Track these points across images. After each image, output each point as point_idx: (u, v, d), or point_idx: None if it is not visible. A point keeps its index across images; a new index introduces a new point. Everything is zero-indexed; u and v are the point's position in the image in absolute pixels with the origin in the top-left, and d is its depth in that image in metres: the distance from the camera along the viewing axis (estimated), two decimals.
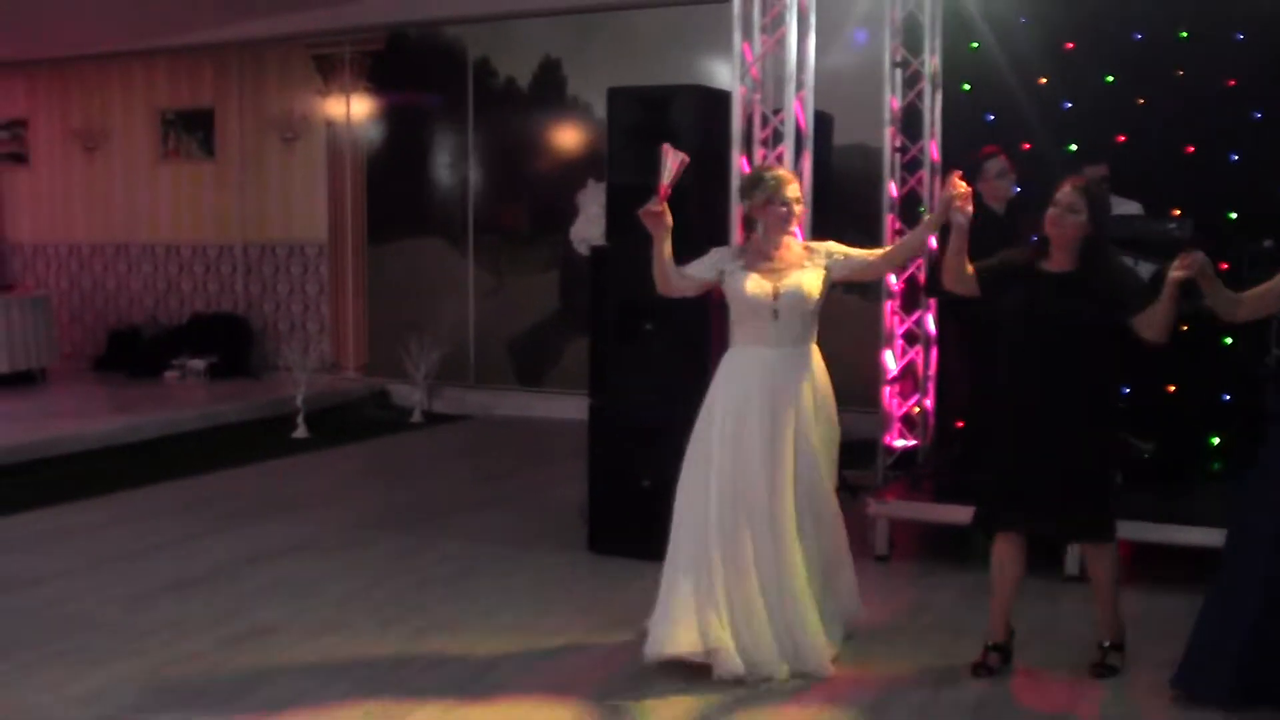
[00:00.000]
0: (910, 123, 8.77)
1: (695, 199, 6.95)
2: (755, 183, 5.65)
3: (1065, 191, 5.35)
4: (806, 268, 5.58)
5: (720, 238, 6.76)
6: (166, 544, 7.82)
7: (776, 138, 6.94)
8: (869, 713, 5.10)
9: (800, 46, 6.86)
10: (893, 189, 8.64)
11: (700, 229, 6.87)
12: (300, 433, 11.55)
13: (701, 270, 5.70)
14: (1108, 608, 5.50)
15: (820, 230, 6.89)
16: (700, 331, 6.98)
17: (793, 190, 5.59)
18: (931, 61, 8.72)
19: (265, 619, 6.27)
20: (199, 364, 14.36)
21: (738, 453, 5.50)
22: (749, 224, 6.00)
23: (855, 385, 7.25)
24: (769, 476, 5.47)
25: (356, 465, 10.98)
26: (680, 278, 5.68)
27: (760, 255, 5.64)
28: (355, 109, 14.09)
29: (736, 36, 6.91)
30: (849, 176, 9.71)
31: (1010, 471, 5.47)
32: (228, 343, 14.69)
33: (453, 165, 13.40)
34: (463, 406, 13.21)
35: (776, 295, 5.50)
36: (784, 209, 5.56)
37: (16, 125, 16.68)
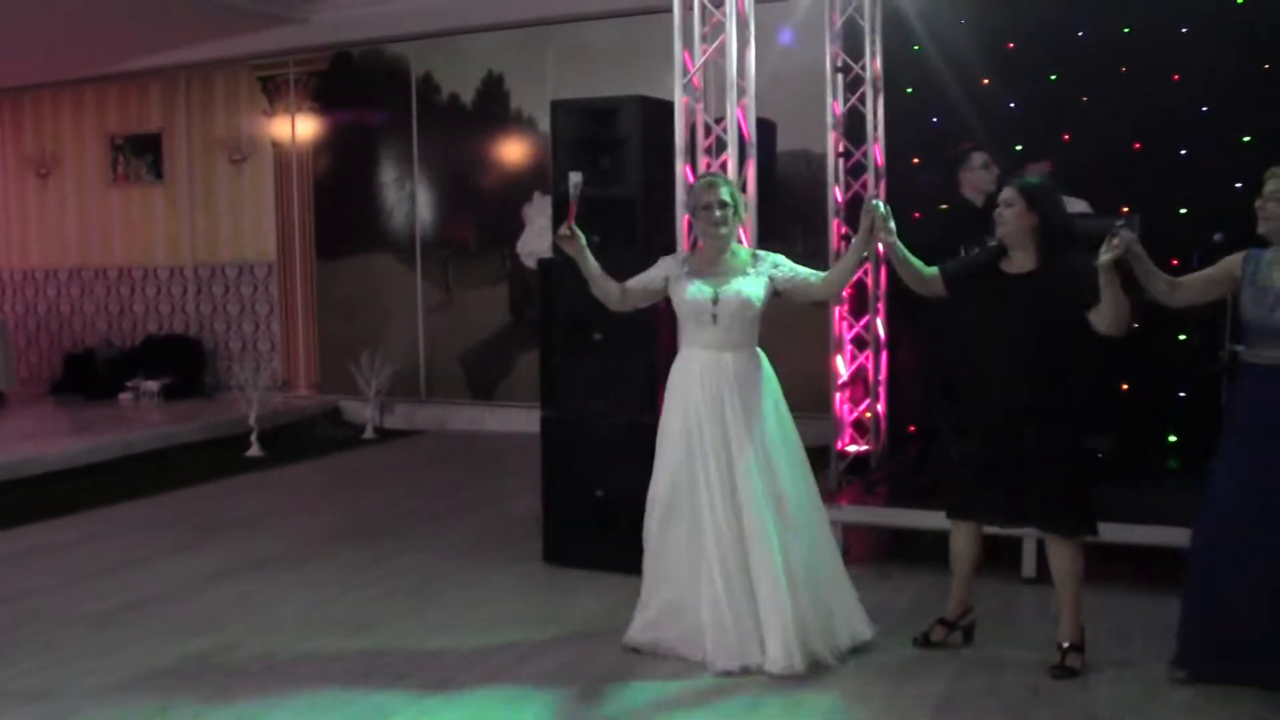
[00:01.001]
0: (853, 127, 8.86)
1: (642, 209, 7.08)
2: (689, 189, 5.78)
3: (1003, 190, 5.53)
4: (749, 274, 5.71)
5: (669, 246, 6.86)
6: (128, 562, 7.86)
7: (720, 146, 7.01)
8: (830, 712, 5.20)
9: (740, 55, 6.94)
10: (838, 194, 8.74)
11: (647, 239, 6.99)
12: (254, 451, 11.59)
13: (648, 280, 5.85)
14: (1069, 608, 5.53)
15: (766, 236, 7.01)
16: (648, 341, 7.04)
17: (722, 192, 5.68)
18: (873, 65, 8.81)
19: (228, 635, 6.32)
20: (153, 385, 14.34)
21: (690, 452, 5.63)
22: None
23: (806, 391, 7.36)
24: (724, 475, 5.57)
25: (312, 482, 11.02)
26: (624, 292, 5.83)
27: (704, 261, 5.78)
28: (301, 129, 14.14)
29: (677, 45, 6.97)
30: (794, 182, 9.84)
31: (980, 466, 5.60)
32: (181, 364, 14.70)
33: (399, 182, 13.46)
34: (415, 422, 13.28)
35: (716, 300, 5.64)
36: (707, 211, 5.67)
37: None
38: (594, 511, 7.16)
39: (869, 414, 8.96)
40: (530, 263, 11.74)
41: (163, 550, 8.18)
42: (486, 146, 13.01)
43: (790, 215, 9.04)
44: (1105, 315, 5.24)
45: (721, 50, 6.93)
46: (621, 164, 7.18)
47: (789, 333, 6.62)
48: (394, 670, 5.71)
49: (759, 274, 5.72)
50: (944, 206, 7.90)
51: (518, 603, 6.83)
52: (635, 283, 5.87)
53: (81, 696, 5.48)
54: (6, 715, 5.32)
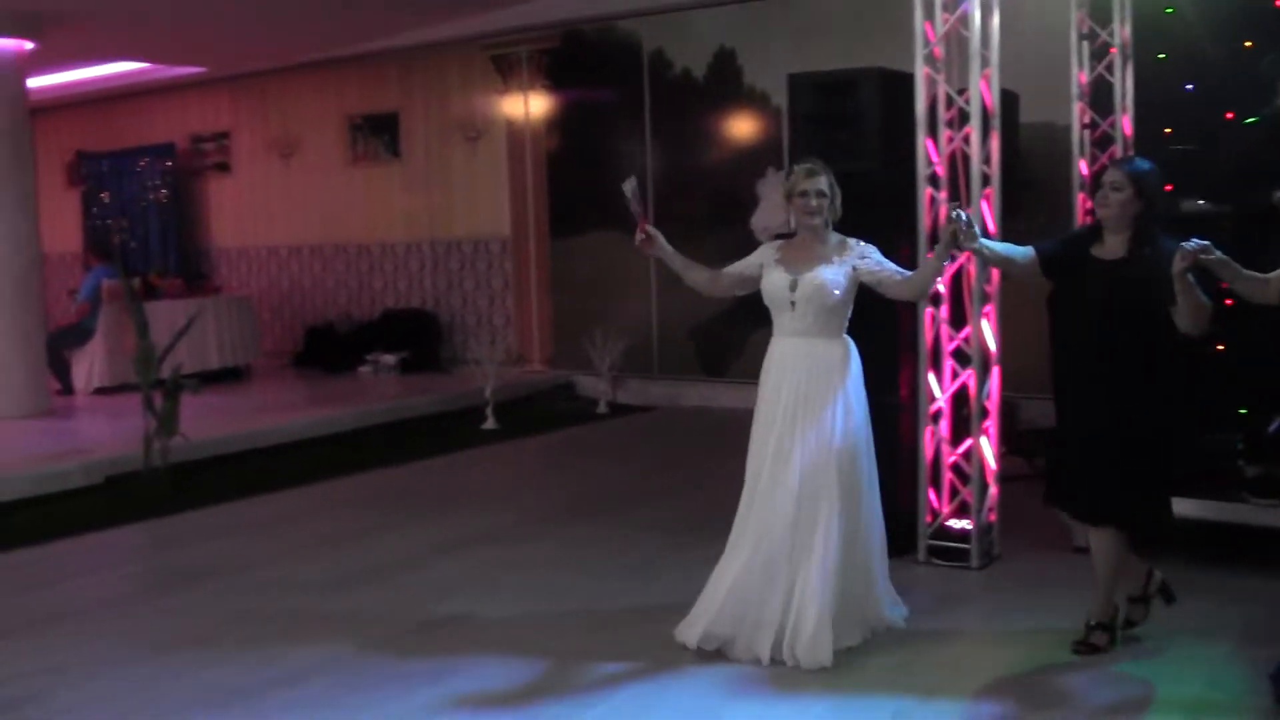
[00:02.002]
0: (1100, 97, 8.53)
1: (881, 183, 6.91)
2: (788, 175, 5.79)
3: (1109, 171, 5.40)
4: (834, 262, 5.65)
5: (908, 222, 6.71)
6: (363, 532, 8.06)
7: (962, 118, 6.80)
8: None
9: (984, 23, 6.72)
10: (1083, 167, 8.41)
11: (886, 214, 6.82)
12: (489, 424, 11.75)
13: (744, 267, 5.87)
14: (1103, 587, 5.48)
15: (1009, 213, 6.79)
16: (888, 322, 6.90)
17: (820, 182, 5.64)
18: (1122, 32, 8.46)
19: (456, 607, 6.41)
20: (391, 359, 14.73)
21: (766, 439, 5.63)
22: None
23: (1040, 372, 7.11)
24: (785, 460, 5.54)
25: (544, 456, 11.14)
26: (715, 279, 5.91)
27: (795, 249, 5.75)
28: (534, 106, 14.28)
29: (918, 15, 6.79)
30: (1034, 156, 9.52)
31: (1066, 456, 5.53)
32: (418, 338, 15.03)
33: (630, 158, 13.47)
34: (647, 397, 13.29)
35: (794, 286, 5.59)
36: (804, 199, 5.65)
37: (222, 137, 17.43)
38: None
39: None
40: (764, 238, 11.60)
41: (397, 520, 8.37)
42: (718, 122, 12.93)
43: (1032, 190, 8.74)
44: (1183, 317, 5.09)
45: (964, 20, 6.72)
46: (859, 138, 7.02)
47: (1026, 310, 6.33)
48: (621, 648, 5.66)
49: (843, 262, 5.65)
50: None
51: None
52: (732, 269, 5.90)
53: (319, 662, 5.62)
54: (247, 675, 5.48)
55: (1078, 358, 5.40)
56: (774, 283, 5.66)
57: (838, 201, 5.72)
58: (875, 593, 5.74)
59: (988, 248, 5.56)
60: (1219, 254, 4.85)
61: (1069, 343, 5.46)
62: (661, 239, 5.78)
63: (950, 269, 6.66)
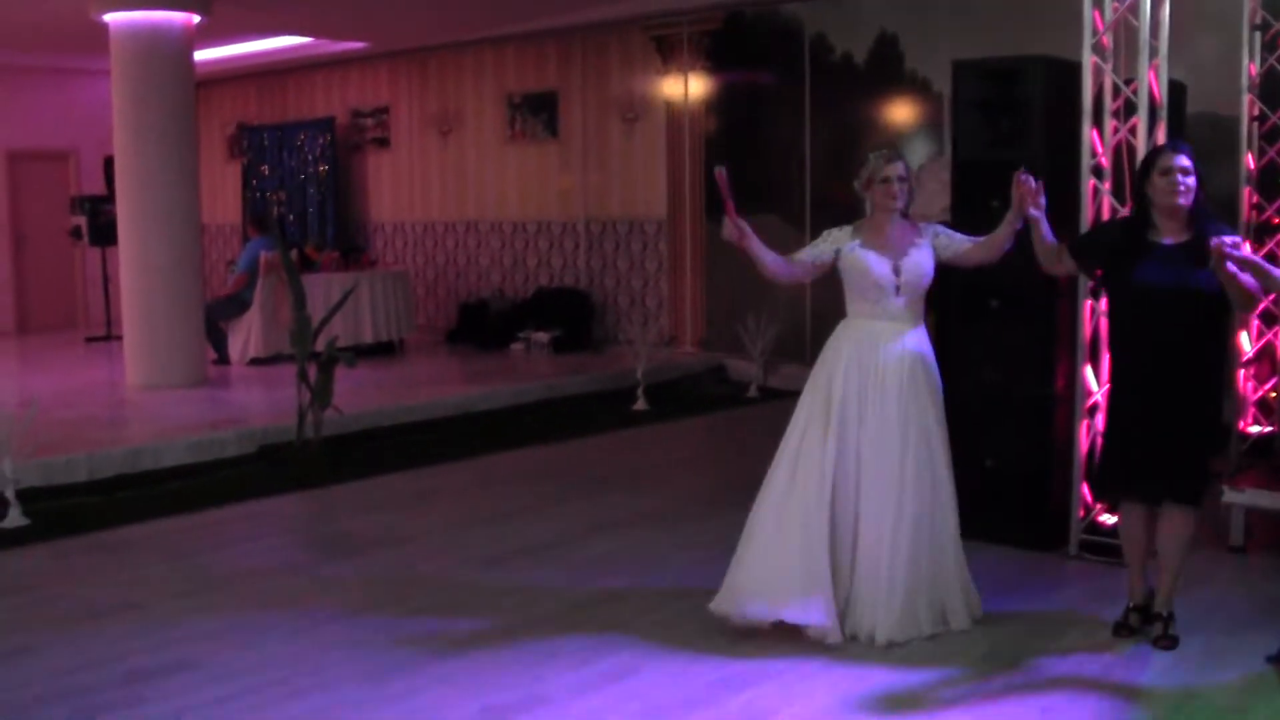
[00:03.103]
0: (1270, 89, 8.30)
1: (1045, 173, 6.80)
2: (864, 163, 5.81)
3: (1175, 157, 5.44)
4: (919, 245, 5.72)
5: (1071, 212, 6.60)
6: (517, 509, 8.17)
7: (1129, 109, 6.68)
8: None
9: (1154, 12, 6.58)
10: (1249, 161, 8.22)
11: (1050, 203, 6.70)
12: (640, 405, 11.80)
13: (815, 253, 5.88)
14: (1172, 576, 5.53)
15: None
16: (1048, 308, 6.86)
17: (900, 168, 5.71)
18: None
19: (611, 586, 6.48)
20: (543, 337, 14.87)
21: (848, 420, 5.65)
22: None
23: None
24: (886, 446, 5.59)
25: (694, 438, 11.17)
26: (790, 264, 5.89)
27: (875, 233, 5.76)
28: (693, 88, 14.29)
29: (1087, 4, 6.67)
30: (1197, 147, 9.28)
31: (1120, 440, 5.60)
32: (570, 316, 15.12)
33: (789, 142, 13.42)
34: (798, 383, 13.08)
35: (898, 272, 5.64)
36: (886, 185, 5.69)
37: (381, 112, 17.71)
38: (982, 482, 6.93)
39: (1275, 393, 8.42)
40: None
41: (551, 498, 8.47)
42: (878, 107, 12.81)
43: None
44: (1234, 301, 5.30)
45: (1133, 9, 6.59)
46: (1023, 126, 6.93)
47: None
48: (766, 634, 5.65)
49: (924, 245, 5.75)
50: None
51: None
52: (804, 255, 5.89)
53: (474, 638, 5.71)
54: (401, 648, 5.59)
55: (1144, 340, 5.45)
56: (872, 266, 5.67)
57: (914, 186, 5.84)
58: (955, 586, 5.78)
59: (1044, 221, 5.66)
60: (1246, 251, 5.16)
61: (1135, 326, 5.51)
62: (750, 232, 5.72)
63: None
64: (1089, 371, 6.76)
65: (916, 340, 5.73)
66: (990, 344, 7.10)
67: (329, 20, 14.65)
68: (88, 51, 14.93)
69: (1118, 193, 6.59)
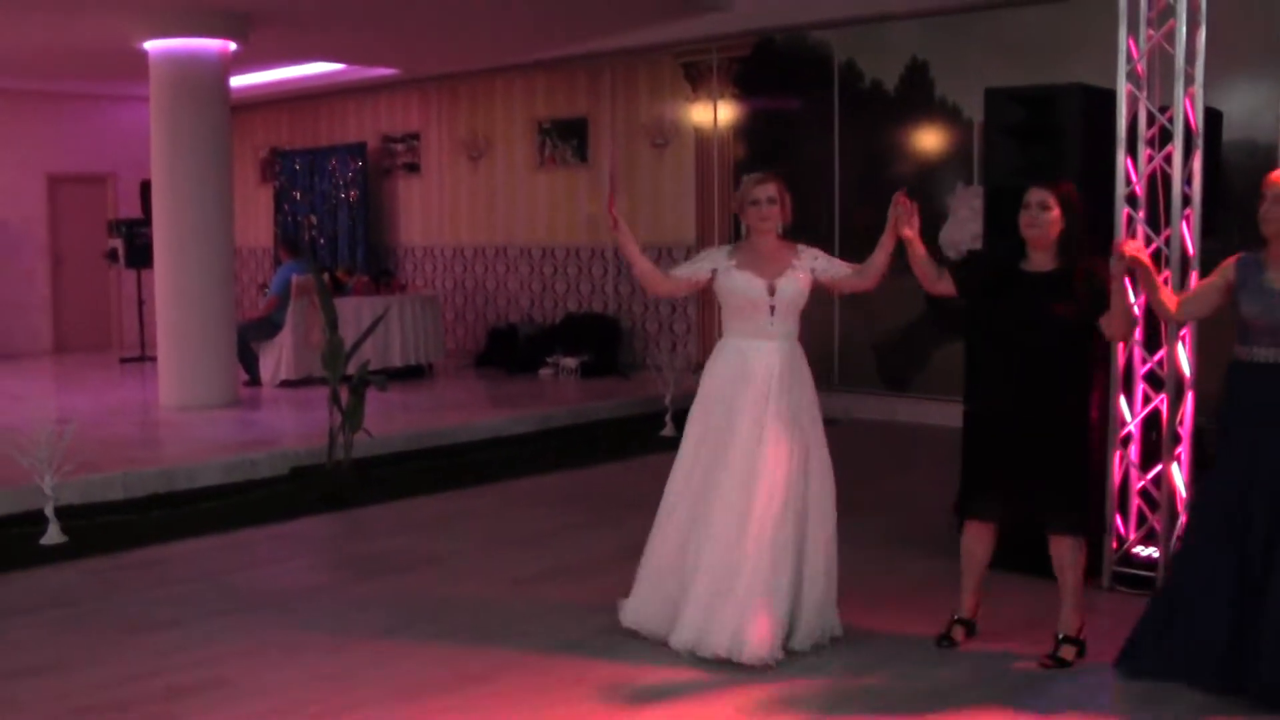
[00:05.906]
0: None
1: (1081, 202, 6.79)
2: (738, 184, 6.02)
3: (1033, 192, 5.62)
4: (795, 267, 5.89)
5: (1104, 242, 6.59)
6: (546, 533, 8.19)
7: (1164, 137, 6.67)
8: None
9: (1190, 40, 6.57)
10: None
11: (1084, 232, 6.69)
12: (668, 431, 11.79)
13: (691, 270, 6.04)
14: (1069, 600, 5.70)
15: (1208, 232, 6.63)
16: (1080, 334, 6.80)
17: (763, 190, 5.88)
18: None
19: None
20: (572, 362, 14.91)
21: (723, 438, 5.78)
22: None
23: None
24: (750, 463, 5.71)
25: None
26: (666, 278, 6.11)
27: (751, 254, 5.92)
28: (722, 115, 14.35)
29: (1122, 31, 6.66)
30: (1234, 173, 9.28)
31: (987, 464, 5.80)
32: (599, 342, 15.18)
33: (819, 169, 13.44)
34: (826, 410, 13.02)
35: (773, 292, 5.80)
36: (756, 208, 5.88)
37: (411, 138, 17.85)
38: None
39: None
40: (952, 254, 11.48)
41: (580, 522, 8.49)
42: (908, 134, 12.83)
43: (1226, 209, 8.51)
44: (1113, 324, 5.55)
45: (1168, 36, 6.59)
46: (1057, 154, 6.90)
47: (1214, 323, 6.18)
48: (805, 661, 5.69)
49: (801, 266, 5.89)
50: None
51: (934, 599, 6.55)
52: (682, 271, 6.07)
53: (506, 661, 5.74)
54: (430, 668, 5.63)
55: (1009, 369, 5.67)
56: (746, 287, 5.82)
57: (789, 207, 5.96)
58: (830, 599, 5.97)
59: (918, 243, 5.83)
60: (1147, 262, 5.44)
61: (998, 356, 5.76)
62: (625, 226, 5.96)
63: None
64: (1122, 402, 6.75)
65: (791, 356, 5.86)
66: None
67: (361, 47, 14.79)
68: (127, 77, 15.13)
69: (1152, 222, 6.58)
